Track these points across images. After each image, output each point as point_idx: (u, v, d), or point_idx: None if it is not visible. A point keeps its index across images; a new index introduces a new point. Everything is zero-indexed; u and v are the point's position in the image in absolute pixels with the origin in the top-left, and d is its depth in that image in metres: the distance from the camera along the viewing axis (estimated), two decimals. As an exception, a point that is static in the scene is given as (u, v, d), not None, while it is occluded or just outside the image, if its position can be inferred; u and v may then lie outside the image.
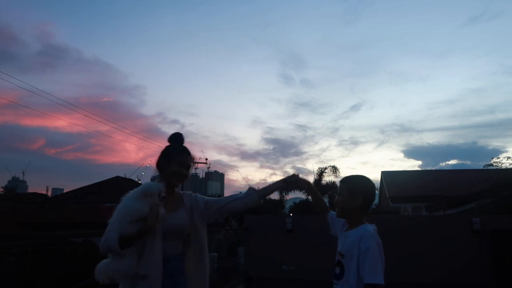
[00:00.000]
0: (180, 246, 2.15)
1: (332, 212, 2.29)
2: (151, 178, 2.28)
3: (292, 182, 2.35)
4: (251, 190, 2.30)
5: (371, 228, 1.94)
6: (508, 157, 21.51)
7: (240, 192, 2.50)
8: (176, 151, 2.22)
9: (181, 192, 2.30)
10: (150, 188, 2.01)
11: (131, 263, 1.91)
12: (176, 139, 2.27)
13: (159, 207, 1.99)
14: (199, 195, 2.34)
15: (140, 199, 1.97)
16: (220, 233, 11.02)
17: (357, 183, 2.05)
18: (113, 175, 35.91)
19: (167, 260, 2.02)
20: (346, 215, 2.06)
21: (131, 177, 35.65)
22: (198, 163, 29.14)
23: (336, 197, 2.13)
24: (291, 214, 24.24)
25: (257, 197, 2.29)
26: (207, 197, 2.34)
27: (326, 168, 25.76)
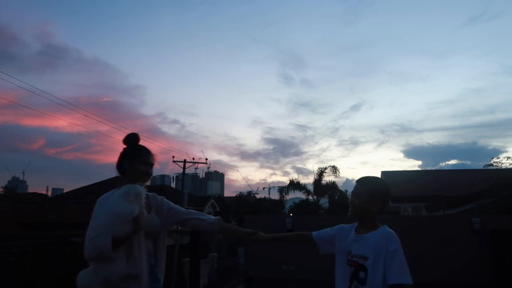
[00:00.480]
0: (152, 246, 2.19)
1: (315, 232, 2.22)
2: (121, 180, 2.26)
3: (253, 240, 2.32)
4: (217, 220, 2.31)
5: (391, 230, 1.97)
6: (508, 157, 21.49)
7: (212, 211, 2.53)
8: (139, 152, 2.23)
9: (146, 193, 2.28)
10: (137, 190, 2.03)
11: (122, 265, 1.89)
12: (135, 140, 2.27)
13: (144, 209, 2.04)
14: (164, 199, 2.34)
15: (132, 201, 1.98)
16: (220, 233, 11.00)
17: (376, 186, 2.02)
18: (113, 175, 35.63)
19: (148, 258, 2.10)
20: (361, 217, 2.03)
21: (131, 177, 35.47)
22: (198, 163, 29.18)
23: (352, 197, 2.07)
24: (291, 214, 24.24)
25: (217, 229, 2.33)
26: (172, 204, 2.34)
27: (326, 168, 25.77)
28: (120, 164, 2.22)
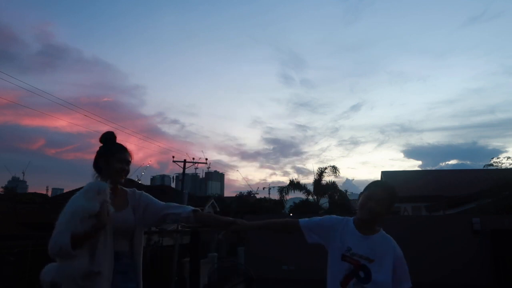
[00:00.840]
0: (128, 245, 2.17)
1: (302, 220, 2.19)
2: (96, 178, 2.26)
3: (233, 230, 2.29)
4: (191, 213, 2.26)
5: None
6: (508, 157, 21.50)
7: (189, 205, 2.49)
8: (115, 150, 2.24)
9: (125, 189, 2.30)
10: (100, 186, 2.02)
11: (84, 262, 1.89)
12: (110, 139, 2.28)
13: (109, 205, 2.01)
14: (143, 194, 2.32)
15: (91, 198, 1.97)
16: (220, 233, 11.00)
17: (396, 196, 2.07)
18: (113, 175, 35.78)
19: (119, 257, 2.07)
20: (374, 220, 2.04)
21: (131, 177, 35.62)
22: (198, 163, 29.15)
23: (367, 200, 2.02)
24: (291, 214, 24.24)
25: (193, 221, 2.28)
26: (151, 199, 2.31)
27: (326, 168, 25.76)
28: (96, 163, 2.23)
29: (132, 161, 2.32)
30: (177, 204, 2.35)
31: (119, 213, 2.12)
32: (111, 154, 2.20)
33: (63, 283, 1.89)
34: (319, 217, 2.19)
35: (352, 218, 2.11)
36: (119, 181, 2.24)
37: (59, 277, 1.87)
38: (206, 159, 30.16)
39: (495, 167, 21.92)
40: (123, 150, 2.26)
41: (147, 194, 2.34)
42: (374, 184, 2.10)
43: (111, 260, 2.02)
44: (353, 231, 2.03)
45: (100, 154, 2.24)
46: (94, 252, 1.95)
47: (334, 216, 2.16)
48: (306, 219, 2.19)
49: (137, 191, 2.32)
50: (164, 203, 2.34)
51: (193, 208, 2.30)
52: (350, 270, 1.95)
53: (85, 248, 1.91)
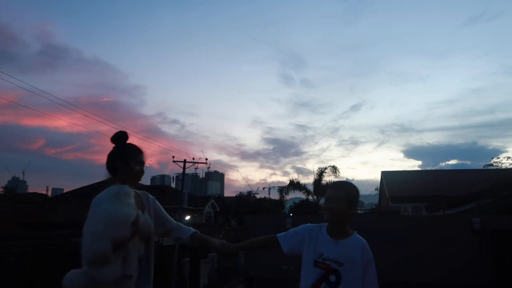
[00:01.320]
0: (144, 248, 2.13)
1: (279, 234, 2.23)
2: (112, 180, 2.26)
3: (221, 253, 2.42)
4: (191, 236, 2.30)
5: (362, 237, 2.06)
6: (508, 157, 21.51)
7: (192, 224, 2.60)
8: (133, 151, 2.15)
9: (137, 191, 2.20)
10: (126, 190, 1.98)
11: (119, 266, 1.88)
12: (122, 138, 2.17)
13: (137, 209, 2.00)
14: (156, 202, 2.27)
15: (126, 203, 1.94)
16: (220, 233, 11.02)
17: (353, 193, 2.07)
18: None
19: (139, 261, 2.05)
20: (338, 222, 2.05)
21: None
22: (198, 163, 29.16)
23: (328, 202, 2.07)
24: (291, 214, 24.24)
25: (190, 242, 2.33)
26: (161, 209, 2.28)
27: (326, 168, 25.82)
28: (112, 165, 2.11)
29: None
30: (182, 226, 2.34)
31: (142, 217, 2.07)
32: (129, 156, 2.11)
33: (105, 285, 1.84)
34: (296, 228, 2.21)
35: (326, 224, 2.12)
36: (137, 184, 2.17)
37: (88, 283, 1.82)
38: (206, 159, 30.17)
39: (495, 167, 21.93)
40: (140, 151, 2.18)
41: (159, 204, 2.30)
42: (330, 186, 2.19)
43: (137, 264, 2.01)
44: (324, 236, 2.05)
45: (115, 155, 2.12)
46: (126, 256, 1.93)
47: (309, 224, 2.17)
48: (284, 232, 2.23)
49: (149, 195, 2.26)
50: (173, 220, 2.33)
51: (193, 231, 2.31)
52: (321, 275, 1.97)
53: (117, 252, 1.87)
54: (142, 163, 2.16)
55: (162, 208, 2.30)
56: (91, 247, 1.79)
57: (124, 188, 1.99)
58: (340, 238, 2.02)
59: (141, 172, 2.16)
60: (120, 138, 2.16)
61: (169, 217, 2.32)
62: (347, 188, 2.09)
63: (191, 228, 2.35)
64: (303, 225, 2.18)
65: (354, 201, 2.06)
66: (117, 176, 2.09)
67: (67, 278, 1.86)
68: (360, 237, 2.06)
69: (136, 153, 2.15)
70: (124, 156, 2.10)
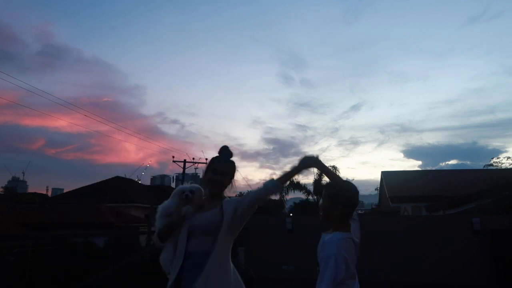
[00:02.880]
0: (206, 245, 2.21)
1: None
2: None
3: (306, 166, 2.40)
4: (275, 184, 2.33)
5: (338, 237, 1.96)
6: (508, 157, 21.57)
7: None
8: (213, 160, 2.44)
9: (227, 197, 2.44)
10: (182, 189, 2.39)
11: (168, 255, 2.28)
12: (220, 151, 2.47)
13: (182, 205, 2.31)
14: (237, 200, 2.33)
15: (172, 197, 2.40)
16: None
17: (338, 191, 2.10)
18: (113, 175, 35.86)
19: (188, 255, 2.20)
20: (328, 221, 2.11)
21: (131, 177, 35.59)
22: (198, 163, 29.26)
23: (320, 201, 2.20)
24: (291, 214, 24.24)
25: (276, 181, 2.33)
26: (239, 204, 2.30)
27: (326, 168, 25.73)
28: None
29: (232, 172, 2.44)
30: (254, 191, 2.38)
31: (202, 213, 2.30)
32: (208, 164, 2.44)
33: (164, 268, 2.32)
34: None
35: None
36: (211, 190, 2.41)
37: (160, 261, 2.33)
38: (206, 159, 30.09)
39: (495, 167, 21.96)
40: (214, 160, 2.43)
41: (240, 199, 2.36)
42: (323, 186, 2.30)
43: (180, 258, 2.21)
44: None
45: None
46: (175, 247, 2.28)
47: None
48: None
49: (234, 203, 2.31)
50: (246, 197, 2.35)
51: (271, 180, 2.33)
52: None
53: (171, 243, 2.30)
54: (215, 170, 2.37)
55: (237, 204, 2.30)
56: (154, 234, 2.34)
57: (180, 187, 2.44)
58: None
59: (211, 179, 2.37)
60: (219, 150, 2.47)
61: (241, 200, 2.35)
62: (332, 187, 2.20)
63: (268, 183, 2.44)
64: None
65: (339, 201, 2.04)
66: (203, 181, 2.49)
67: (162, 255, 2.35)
68: (335, 236, 1.97)
69: (213, 162, 2.43)
70: (207, 166, 2.45)
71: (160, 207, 2.38)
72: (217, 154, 2.47)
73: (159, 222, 2.33)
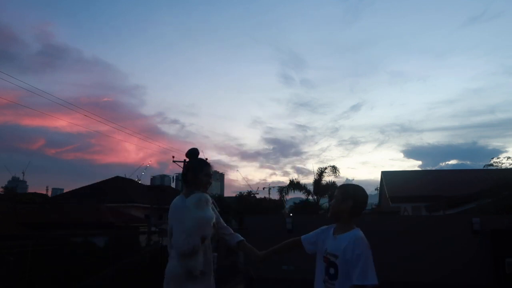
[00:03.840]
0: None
1: (303, 236, 2.46)
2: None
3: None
4: (238, 244, 2.68)
5: (362, 233, 2.11)
6: (508, 157, 21.55)
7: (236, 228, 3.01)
8: (203, 165, 2.64)
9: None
10: (207, 197, 2.53)
11: (202, 259, 2.40)
12: (195, 154, 2.69)
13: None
14: (216, 207, 2.70)
15: (204, 207, 2.49)
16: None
17: (350, 189, 2.25)
18: (113, 175, 35.87)
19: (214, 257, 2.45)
20: (337, 217, 2.22)
21: (131, 177, 35.61)
22: (198, 163, 29.20)
23: (331, 201, 2.33)
24: (291, 214, 24.24)
25: (236, 249, 2.74)
26: (218, 214, 2.66)
27: (326, 168, 25.79)
28: (185, 176, 2.64)
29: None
30: (230, 231, 2.73)
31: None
32: (199, 169, 2.59)
33: (186, 276, 2.38)
34: (315, 230, 2.41)
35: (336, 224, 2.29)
36: (206, 192, 2.65)
37: (184, 271, 2.37)
38: (206, 159, 30.03)
39: (495, 167, 21.94)
40: (208, 165, 2.66)
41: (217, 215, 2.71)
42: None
43: (212, 262, 2.50)
44: (331, 234, 2.24)
45: (189, 168, 2.64)
46: (206, 253, 2.47)
47: (325, 226, 2.36)
48: (306, 234, 2.45)
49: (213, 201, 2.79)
50: (224, 224, 2.73)
51: (240, 239, 2.69)
52: (325, 267, 2.15)
53: (201, 249, 2.43)
54: (209, 175, 2.64)
55: (217, 212, 2.70)
56: (186, 241, 2.35)
57: (205, 196, 2.52)
58: (339, 233, 2.16)
59: (208, 183, 2.63)
60: (192, 154, 2.68)
61: (223, 222, 2.73)
62: (344, 187, 2.30)
63: (239, 235, 2.73)
64: (320, 227, 2.38)
65: (350, 197, 2.17)
66: (189, 185, 2.60)
67: (168, 268, 2.44)
68: (359, 232, 2.11)
69: (205, 167, 2.63)
70: (195, 169, 2.60)
71: (204, 216, 2.46)
72: (189, 158, 2.69)
73: (204, 230, 2.43)
